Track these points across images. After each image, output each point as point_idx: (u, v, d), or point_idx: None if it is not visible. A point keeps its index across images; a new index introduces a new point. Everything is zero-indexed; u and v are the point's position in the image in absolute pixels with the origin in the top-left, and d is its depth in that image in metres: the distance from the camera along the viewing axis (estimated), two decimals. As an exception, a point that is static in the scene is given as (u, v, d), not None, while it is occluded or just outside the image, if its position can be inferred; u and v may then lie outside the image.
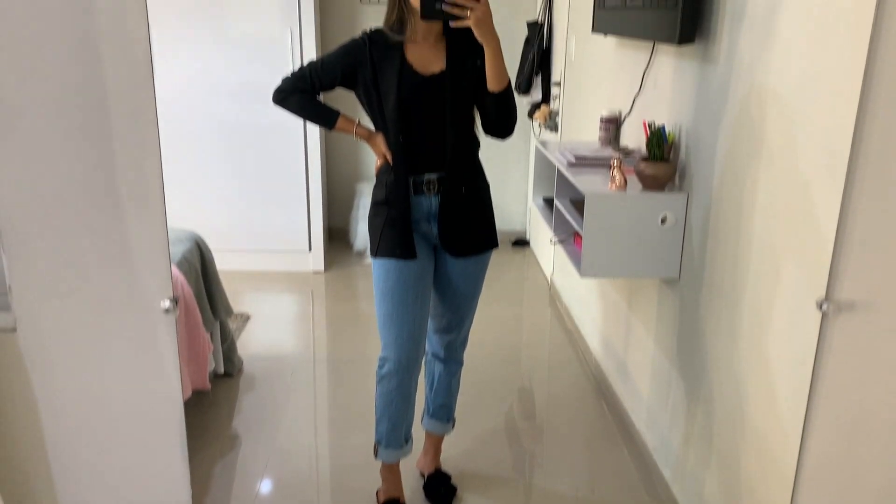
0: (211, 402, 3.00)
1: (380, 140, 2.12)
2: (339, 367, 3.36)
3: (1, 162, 1.59)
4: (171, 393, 1.76)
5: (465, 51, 2.04)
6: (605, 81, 3.16)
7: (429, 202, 2.13)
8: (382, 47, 2.05)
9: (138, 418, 1.79)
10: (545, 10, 4.23)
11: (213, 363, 3.03)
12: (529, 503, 2.46)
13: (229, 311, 3.20)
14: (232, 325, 3.42)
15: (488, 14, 1.89)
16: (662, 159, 2.26)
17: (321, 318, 4.02)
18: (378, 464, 2.39)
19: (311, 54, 4.12)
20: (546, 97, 4.21)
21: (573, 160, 2.58)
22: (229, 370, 3.18)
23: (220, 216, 4.38)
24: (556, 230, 2.72)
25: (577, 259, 2.43)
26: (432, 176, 2.11)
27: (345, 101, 2.38)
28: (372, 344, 3.21)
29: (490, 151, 2.41)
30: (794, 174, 1.66)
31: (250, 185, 4.37)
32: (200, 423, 2.84)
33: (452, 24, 1.90)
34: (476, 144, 2.17)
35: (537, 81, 4.27)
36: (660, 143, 2.24)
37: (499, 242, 2.27)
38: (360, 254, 4.78)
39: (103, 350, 1.73)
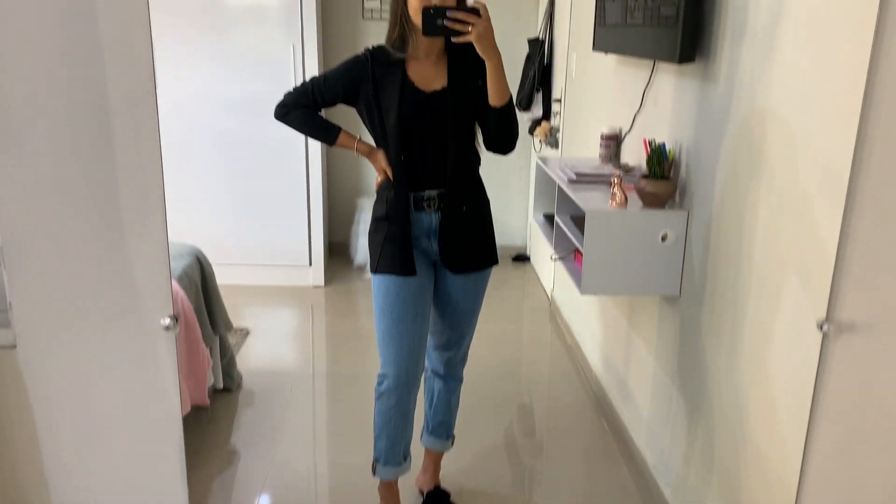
0: (210, 418, 2.99)
1: (380, 156, 2.13)
2: (339, 383, 3.35)
3: (3, 178, 1.60)
4: (171, 410, 1.75)
5: (467, 68, 2.05)
6: (605, 98, 3.18)
7: (429, 219, 2.13)
8: (384, 64, 2.06)
9: (137, 435, 1.78)
10: (546, 27, 4.25)
11: (213, 378, 3.03)
12: (529, 521, 2.45)
13: (229, 325, 3.20)
14: (231, 339, 3.41)
15: (490, 29, 1.90)
16: (663, 177, 2.26)
17: (321, 333, 4.01)
18: (376, 481, 2.38)
19: (313, 70, 4.14)
20: (547, 113, 4.22)
21: (574, 177, 2.58)
22: (228, 385, 3.17)
23: (220, 230, 4.38)
24: (557, 247, 2.72)
25: (577, 276, 2.42)
26: (432, 192, 2.11)
27: (346, 116, 2.39)
28: (372, 359, 3.20)
29: (491, 166, 2.42)
30: (795, 194, 1.66)
31: (251, 200, 4.37)
32: (199, 439, 2.83)
33: (454, 39, 1.91)
34: (477, 160, 2.18)
35: (538, 98, 4.28)
36: (660, 160, 2.25)
37: (499, 257, 2.27)
38: (361, 268, 4.78)
39: (103, 367, 1.73)
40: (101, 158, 1.59)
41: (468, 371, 2.45)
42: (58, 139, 1.58)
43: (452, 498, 2.48)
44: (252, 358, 3.55)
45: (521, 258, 5.07)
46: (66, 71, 1.55)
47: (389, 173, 2.11)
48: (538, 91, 4.26)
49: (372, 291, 2.21)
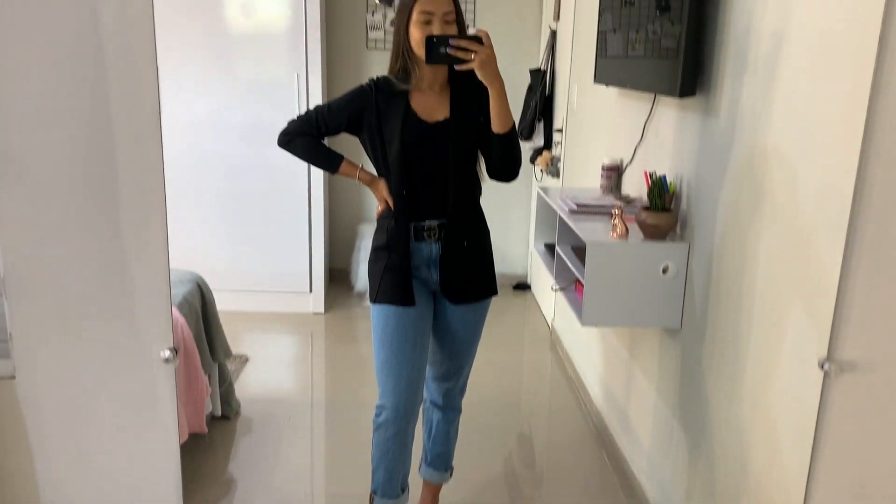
0: (207, 446, 2.96)
1: (382, 185, 2.13)
2: (337, 412, 3.33)
3: (4, 209, 1.60)
4: (169, 440, 1.74)
5: (470, 99, 2.06)
6: (606, 130, 3.19)
7: (429, 248, 2.13)
8: (388, 94, 2.07)
9: (134, 465, 1.77)
10: (548, 57, 4.29)
11: (211, 406, 3.01)
12: (528, 555, 2.42)
13: (228, 353, 3.18)
14: (230, 366, 3.40)
15: (492, 56, 1.91)
16: (664, 209, 2.27)
17: (320, 360, 3.99)
18: (375, 513, 2.35)
19: (316, 98, 4.17)
20: (548, 143, 4.25)
21: (575, 208, 2.59)
22: (227, 413, 3.15)
23: (221, 256, 4.38)
24: (558, 277, 2.72)
25: (578, 307, 2.42)
26: (433, 223, 2.11)
27: (348, 145, 2.40)
28: (371, 388, 3.18)
29: (492, 194, 2.42)
30: (796, 230, 1.66)
31: (252, 226, 4.38)
32: (196, 467, 2.80)
33: (458, 67, 1.92)
34: (478, 191, 2.18)
35: (539, 127, 4.31)
36: (661, 192, 2.25)
37: (500, 285, 2.26)
38: (361, 295, 4.77)
39: (102, 399, 1.72)
40: (104, 189, 1.59)
41: (467, 401, 2.43)
42: (60, 169, 1.59)
43: (451, 530, 2.46)
44: (251, 385, 3.53)
45: (522, 286, 5.07)
46: (71, 100, 1.56)
47: (390, 202, 2.12)
48: (539, 120, 4.28)
49: (371, 320, 2.20)
